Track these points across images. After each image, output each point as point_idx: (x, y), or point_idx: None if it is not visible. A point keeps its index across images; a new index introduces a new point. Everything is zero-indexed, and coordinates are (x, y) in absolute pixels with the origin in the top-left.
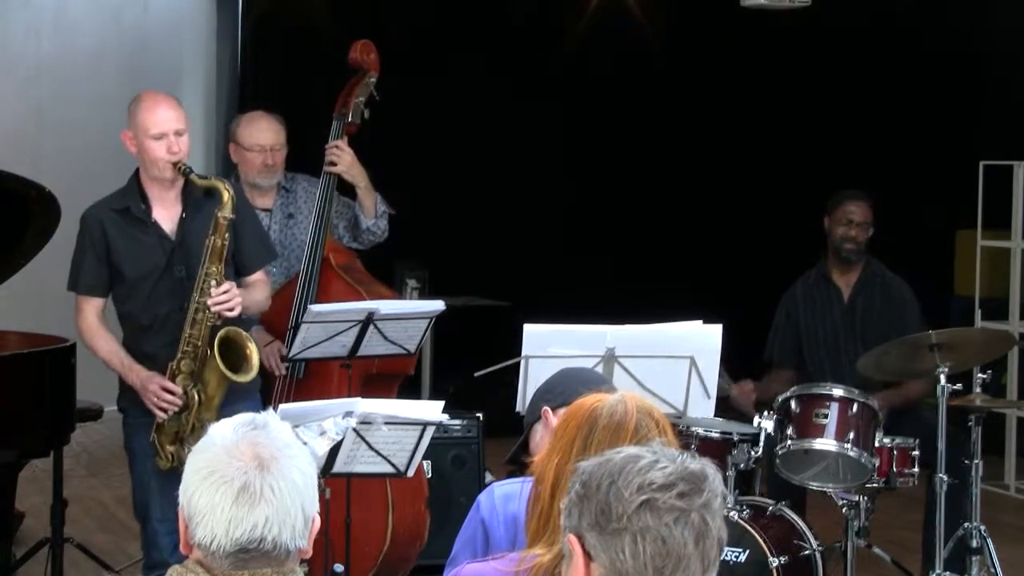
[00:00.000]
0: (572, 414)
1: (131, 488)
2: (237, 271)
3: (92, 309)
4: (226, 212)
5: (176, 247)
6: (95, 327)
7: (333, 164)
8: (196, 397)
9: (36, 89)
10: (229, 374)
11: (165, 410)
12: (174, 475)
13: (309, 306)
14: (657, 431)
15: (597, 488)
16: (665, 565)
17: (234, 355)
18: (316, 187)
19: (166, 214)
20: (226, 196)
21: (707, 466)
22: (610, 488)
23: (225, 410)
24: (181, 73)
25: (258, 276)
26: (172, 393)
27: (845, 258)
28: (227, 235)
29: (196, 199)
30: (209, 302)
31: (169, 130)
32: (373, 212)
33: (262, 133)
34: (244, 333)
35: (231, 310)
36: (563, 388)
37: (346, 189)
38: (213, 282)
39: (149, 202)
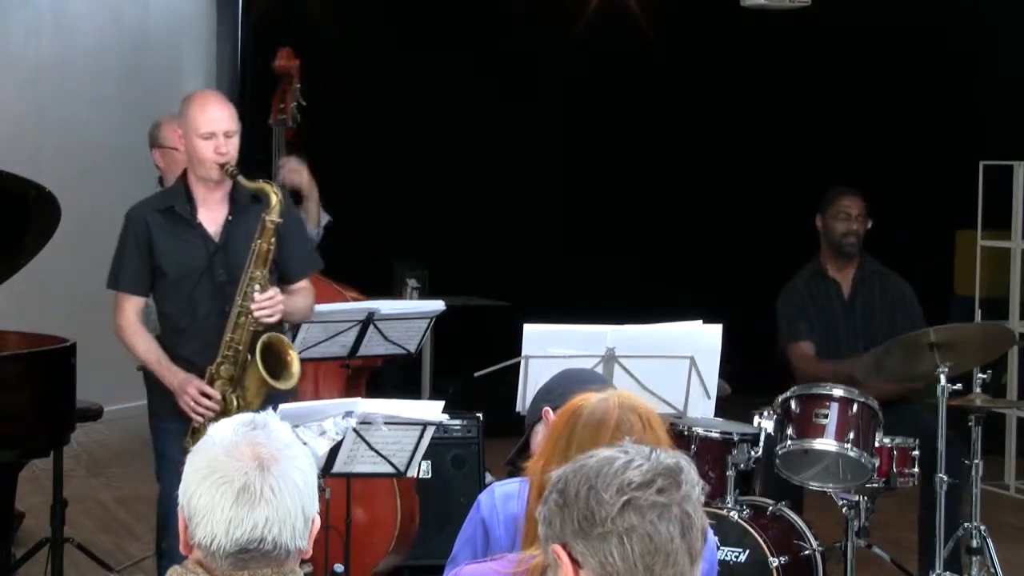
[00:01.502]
0: (559, 415)
1: (159, 493)
2: (281, 278)
3: (132, 307)
4: (273, 216)
5: (219, 249)
6: (135, 325)
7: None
8: (235, 402)
9: (36, 89)
10: (270, 380)
11: (202, 415)
12: None
13: None
14: (642, 425)
15: (576, 495)
16: (655, 562)
17: (275, 361)
18: None
19: (211, 216)
20: (274, 200)
21: (680, 458)
22: (589, 493)
23: None
24: (181, 73)
25: (302, 283)
26: (210, 398)
27: (847, 252)
28: (273, 239)
29: (243, 203)
30: (252, 307)
31: (219, 130)
32: (316, 222)
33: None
34: (286, 340)
35: (272, 316)
36: (563, 389)
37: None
38: (257, 287)
39: (195, 203)
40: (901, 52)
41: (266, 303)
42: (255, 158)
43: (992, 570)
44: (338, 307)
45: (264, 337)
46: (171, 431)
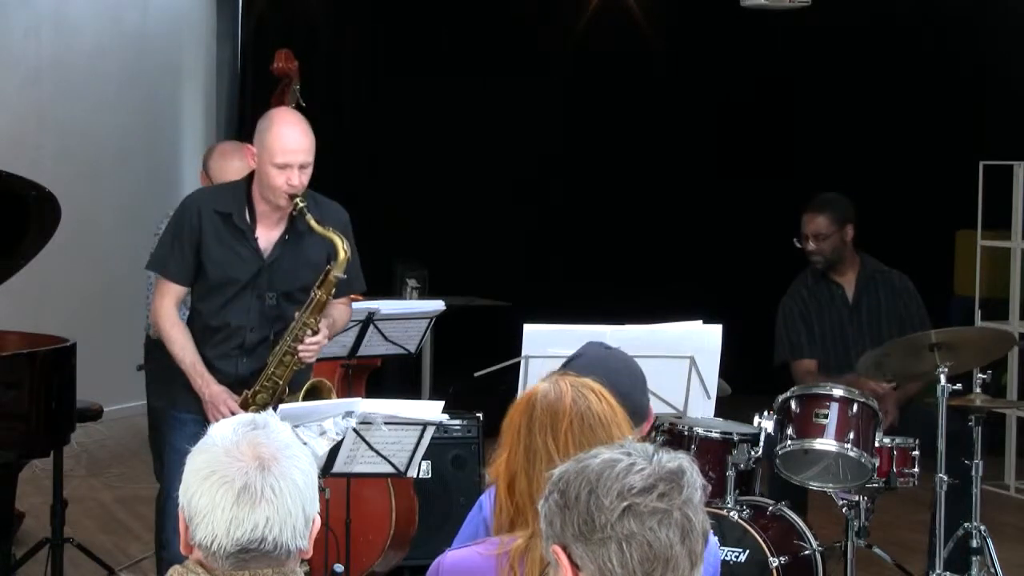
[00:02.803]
0: (512, 409)
1: (163, 481)
2: None
3: (173, 296)
4: (339, 272)
5: (266, 267)
6: (175, 317)
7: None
8: None
9: (36, 89)
10: None
11: None
12: None
13: None
14: (596, 397)
15: (576, 498)
16: (654, 568)
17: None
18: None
19: (267, 232)
20: (342, 255)
21: (682, 460)
22: (590, 497)
23: None
24: (181, 73)
25: (343, 299)
26: None
27: (819, 269)
28: (332, 292)
29: (300, 228)
30: (299, 347)
31: (295, 163)
32: None
33: (232, 172)
34: (330, 386)
35: (311, 357)
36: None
37: None
38: (309, 332)
39: (255, 215)
40: (901, 52)
41: (313, 348)
42: None
43: (992, 570)
44: None
45: (312, 382)
46: (185, 421)
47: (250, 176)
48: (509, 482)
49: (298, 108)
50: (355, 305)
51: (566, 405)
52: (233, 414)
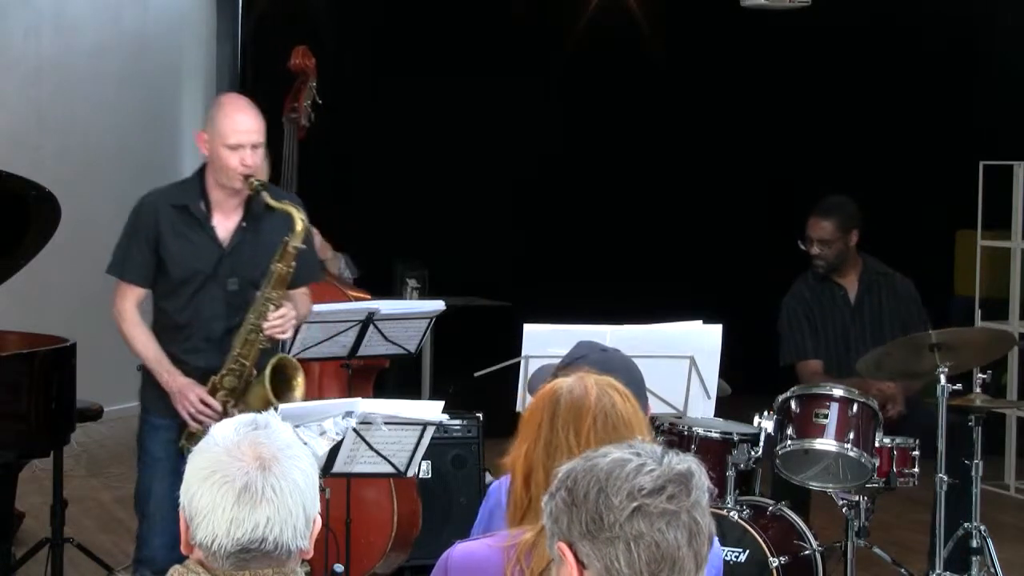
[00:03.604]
0: (535, 402)
1: (136, 482)
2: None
3: (134, 298)
4: (297, 242)
5: (226, 255)
6: (135, 318)
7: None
8: (234, 415)
9: (36, 89)
10: (274, 400)
11: (201, 422)
12: (177, 479)
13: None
14: (620, 398)
15: (585, 496)
16: (661, 569)
17: (281, 382)
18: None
19: (224, 220)
20: (299, 225)
21: (691, 463)
22: (599, 496)
23: None
24: (181, 73)
25: (302, 290)
26: (210, 407)
27: (820, 273)
28: (293, 263)
29: (257, 212)
30: (265, 325)
31: (247, 142)
32: (337, 277)
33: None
34: (296, 363)
35: (284, 333)
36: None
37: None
38: (272, 307)
39: (211, 205)
40: (901, 52)
41: (279, 322)
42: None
43: (992, 570)
44: (338, 307)
45: (277, 359)
46: (158, 427)
47: (202, 168)
48: (526, 475)
49: (314, 106)
50: (355, 305)
51: (591, 403)
52: (203, 402)
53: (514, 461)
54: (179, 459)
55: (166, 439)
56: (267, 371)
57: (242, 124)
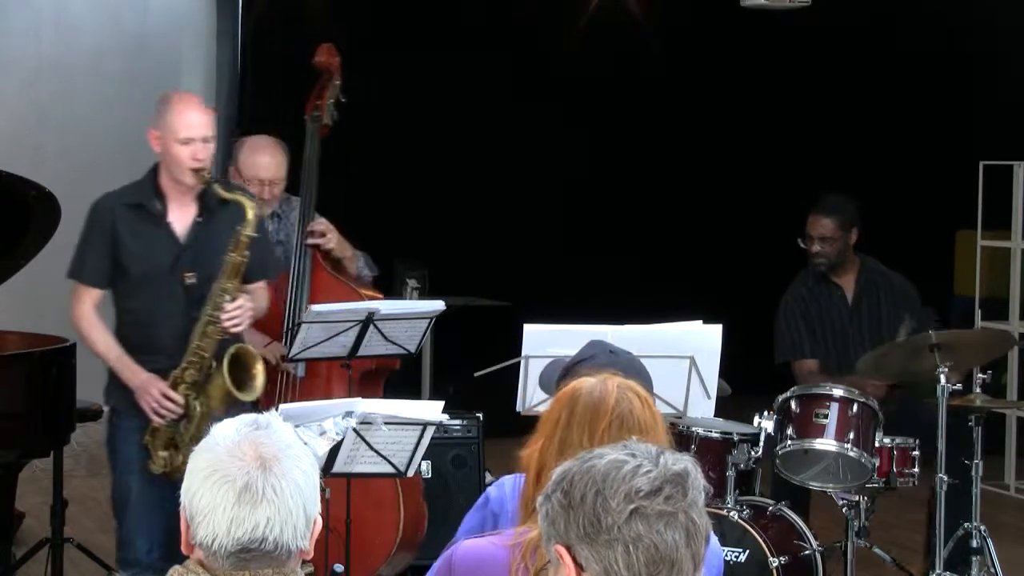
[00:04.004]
0: (556, 399)
1: (112, 486)
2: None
3: (91, 299)
4: (249, 231)
5: (184, 250)
6: (93, 319)
7: (321, 243)
8: (197, 408)
9: (36, 89)
10: (234, 391)
11: (163, 416)
12: (154, 478)
13: (310, 306)
14: (640, 404)
15: (582, 499)
16: (659, 570)
17: (241, 372)
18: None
19: (180, 215)
20: (250, 214)
21: (687, 462)
22: (596, 499)
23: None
24: (181, 73)
25: (259, 284)
26: (172, 401)
27: (820, 271)
28: (247, 252)
29: (211, 205)
30: (222, 316)
31: (197, 136)
32: (354, 275)
33: (263, 168)
34: (254, 352)
35: (241, 325)
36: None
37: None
38: (228, 298)
39: (166, 201)
40: (901, 52)
41: (235, 312)
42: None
43: (992, 570)
44: (338, 307)
45: (234, 348)
46: (127, 428)
47: (155, 167)
48: (538, 471)
49: (337, 104)
50: (355, 305)
51: (609, 406)
52: (166, 396)
53: (529, 456)
54: (148, 456)
55: (138, 440)
56: (225, 362)
57: (192, 119)
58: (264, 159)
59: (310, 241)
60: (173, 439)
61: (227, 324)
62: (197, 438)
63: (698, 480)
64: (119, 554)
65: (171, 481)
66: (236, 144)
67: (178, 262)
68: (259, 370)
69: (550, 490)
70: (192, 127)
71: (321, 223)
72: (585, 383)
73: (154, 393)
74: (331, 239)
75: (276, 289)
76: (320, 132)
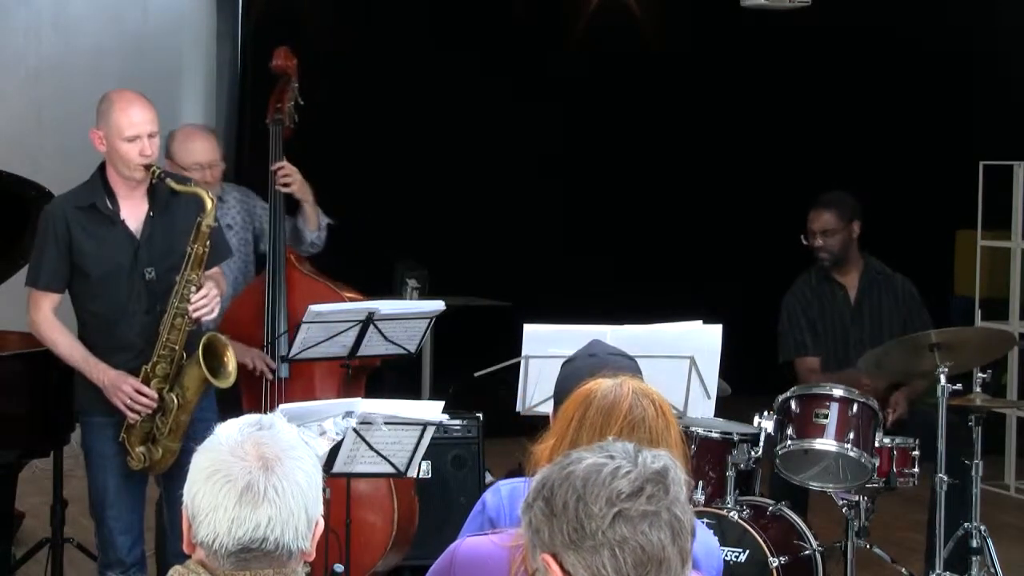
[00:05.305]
0: (571, 399)
1: (88, 486)
2: None
3: (49, 304)
4: (209, 220)
5: (141, 246)
6: (53, 322)
7: (286, 186)
8: (174, 400)
9: (36, 89)
10: (211, 379)
11: (138, 412)
12: (131, 476)
13: (309, 306)
14: (655, 411)
15: (564, 506)
16: (648, 570)
17: (214, 360)
18: (248, 197)
19: (132, 212)
20: (209, 205)
21: (666, 459)
22: (578, 505)
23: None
24: (181, 73)
25: (215, 269)
26: (145, 396)
27: (824, 267)
28: (208, 243)
29: (162, 198)
30: (189, 307)
31: (143, 133)
32: (316, 225)
33: (199, 152)
34: (223, 339)
35: (211, 313)
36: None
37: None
38: (193, 288)
39: (117, 200)
40: (901, 52)
41: (202, 302)
42: (251, 157)
43: (992, 570)
44: (338, 307)
45: (207, 337)
46: (99, 425)
47: (102, 165)
48: None
49: (296, 107)
50: (355, 305)
51: (622, 410)
52: (138, 392)
53: (540, 454)
54: (124, 454)
55: (112, 436)
56: (199, 351)
57: (136, 116)
58: (198, 144)
59: (278, 184)
60: (149, 433)
61: (196, 315)
62: (175, 430)
63: (678, 475)
64: (101, 558)
65: (153, 476)
66: (168, 139)
67: (136, 259)
68: (230, 356)
69: (531, 499)
70: (137, 124)
71: (285, 165)
72: (602, 385)
73: (126, 390)
74: (295, 181)
75: (254, 291)
76: (283, 135)
